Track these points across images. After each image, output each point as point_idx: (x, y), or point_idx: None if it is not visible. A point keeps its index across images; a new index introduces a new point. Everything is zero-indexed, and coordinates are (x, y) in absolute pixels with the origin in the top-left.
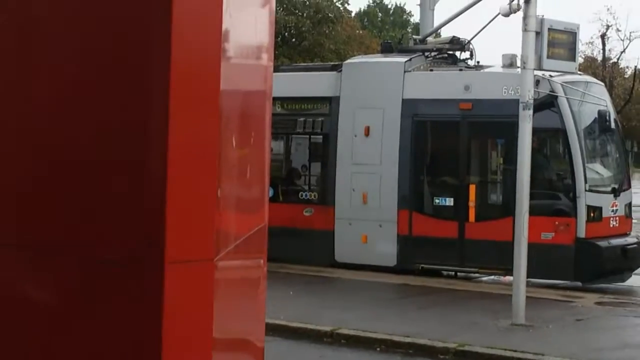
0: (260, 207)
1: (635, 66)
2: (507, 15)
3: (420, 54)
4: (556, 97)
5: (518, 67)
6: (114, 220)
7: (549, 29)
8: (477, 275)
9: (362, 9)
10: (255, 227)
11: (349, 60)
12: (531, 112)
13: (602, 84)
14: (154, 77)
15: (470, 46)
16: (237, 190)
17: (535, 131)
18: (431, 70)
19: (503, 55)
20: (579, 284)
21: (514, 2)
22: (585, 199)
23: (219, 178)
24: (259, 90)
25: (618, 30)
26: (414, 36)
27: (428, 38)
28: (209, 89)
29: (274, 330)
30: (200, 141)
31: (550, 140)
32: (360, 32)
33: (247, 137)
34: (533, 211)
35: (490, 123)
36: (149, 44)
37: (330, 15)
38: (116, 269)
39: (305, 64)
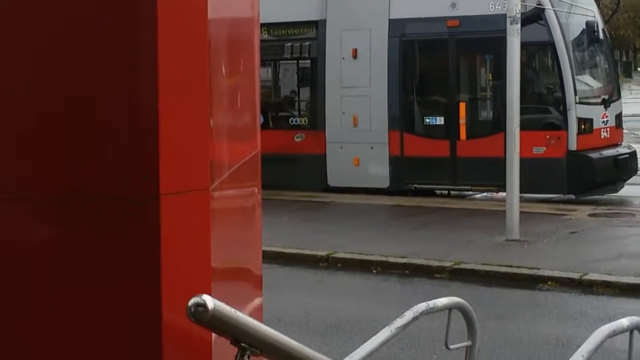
0: (252, 134)
1: None
2: None
3: None
4: (543, 9)
5: None
6: (107, 155)
7: None
8: (470, 192)
9: None
10: (249, 155)
11: None
12: (519, 26)
13: None
14: (141, 7)
15: None
16: (228, 119)
17: (524, 45)
18: None
19: None
20: (572, 196)
21: None
22: (576, 111)
23: (210, 107)
24: (247, 17)
25: None
26: None
27: None
28: (197, 17)
29: (270, 257)
30: (190, 71)
31: (539, 53)
32: None
33: (236, 64)
34: (524, 126)
35: (479, 39)
36: None
37: None
38: (112, 202)
39: None
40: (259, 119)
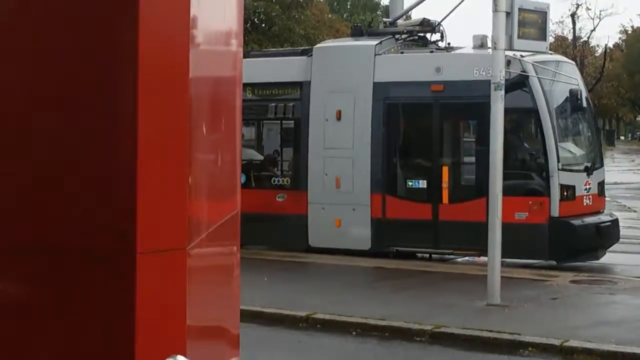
0: (232, 194)
1: (606, 44)
2: None
3: (391, 36)
4: (527, 77)
5: (489, 48)
6: (84, 213)
7: (519, 9)
8: (451, 256)
9: None
10: (228, 214)
11: (319, 45)
12: (503, 92)
13: (573, 62)
14: (122, 65)
15: (441, 28)
16: (208, 178)
17: (508, 111)
18: (402, 52)
19: (474, 36)
20: (554, 262)
21: None
22: (559, 178)
23: (190, 166)
24: (229, 77)
25: (588, 9)
26: (384, 19)
27: (398, 21)
28: (178, 76)
29: (249, 316)
30: (170, 129)
31: (523, 120)
32: (330, 16)
33: (217, 123)
34: (506, 191)
35: (462, 104)
36: (116, 32)
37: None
38: (87, 261)
39: (275, 49)
40: (240, 179)
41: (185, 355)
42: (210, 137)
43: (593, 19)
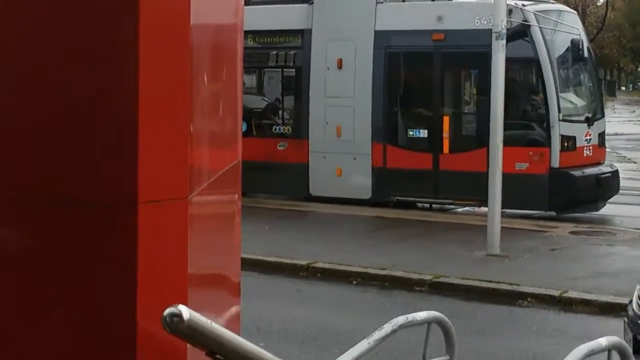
0: (233, 142)
1: None
2: None
3: None
4: (529, 26)
5: None
6: (86, 162)
7: None
8: (451, 206)
9: None
10: (230, 163)
11: None
12: (504, 42)
13: (575, 12)
14: (123, 12)
15: None
16: (209, 127)
17: (509, 61)
18: (403, 1)
19: None
20: (553, 213)
21: None
22: (559, 129)
23: (191, 115)
24: (230, 24)
25: None
26: None
27: None
28: (179, 23)
29: (250, 265)
30: (171, 77)
31: (524, 70)
32: None
33: (219, 72)
34: (507, 141)
35: (463, 54)
36: None
37: None
38: (89, 210)
39: None
40: (241, 128)
41: (186, 304)
42: (212, 85)
43: None
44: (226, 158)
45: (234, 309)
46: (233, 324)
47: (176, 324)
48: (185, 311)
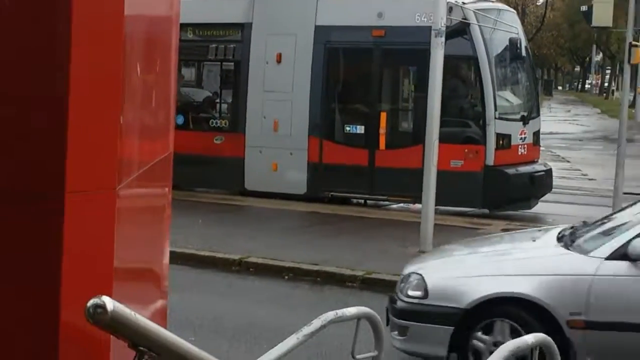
0: (165, 135)
1: None
2: None
3: None
4: (468, 24)
5: None
6: (13, 150)
7: None
8: (386, 203)
9: None
10: (161, 156)
11: None
12: (443, 39)
13: (514, 11)
14: (56, 4)
15: None
16: (141, 119)
17: (447, 58)
18: None
19: None
20: (487, 211)
21: None
22: (495, 127)
23: (122, 106)
24: (165, 16)
25: None
26: None
27: None
28: (113, 15)
29: (182, 258)
30: (103, 67)
31: (462, 67)
32: None
33: (152, 64)
34: (443, 139)
35: (403, 50)
36: None
37: None
38: (16, 199)
39: None
40: (174, 120)
41: (111, 296)
42: (144, 77)
43: None
44: (157, 150)
45: (160, 302)
46: (159, 317)
47: (99, 315)
48: (109, 302)
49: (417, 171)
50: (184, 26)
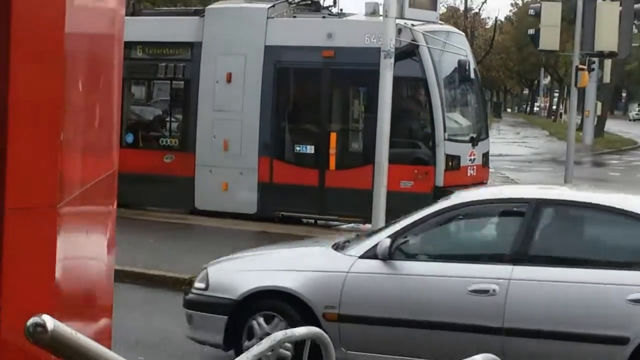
0: (108, 152)
1: (496, 17)
2: None
3: (284, 0)
4: (417, 46)
5: (380, 16)
6: None
7: None
8: (336, 223)
9: None
10: (104, 173)
11: (211, 6)
12: (392, 60)
13: (463, 34)
14: None
15: None
16: (83, 136)
17: (397, 80)
18: (294, 17)
19: (366, 3)
20: None
21: None
22: (444, 148)
23: (63, 123)
24: (107, 34)
25: None
26: None
27: None
28: (53, 31)
29: (131, 277)
30: (43, 84)
31: (411, 89)
32: None
33: (94, 81)
34: (393, 159)
35: (352, 71)
36: None
37: None
38: None
39: (168, 8)
40: (118, 138)
41: (52, 315)
42: (86, 94)
43: None
44: (100, 168)
45: (104, 321)
46: (103, 337)
47: (39, 334)
48: (50, 321)
49: (367, 191)
50: (134, 44)
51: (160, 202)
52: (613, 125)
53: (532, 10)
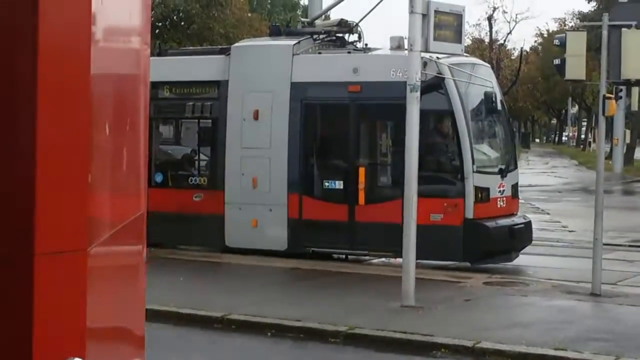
0: (137, 194)
1: (522, 47)
2: None
3: (309, 36)
4: (443, 79)
5: (406, 50)
6: None
7: (435, 11)
8: (367, 257)
9: None
10: (132, 216)
11: (237, 44)
12: (418, 94)
13: (489, 65)
14: (21, 63)
15: (359, 29)
16: (110, 179)
17: (423, 113)
18: (319, 53)
19: (391, 37)
20: (468, 264)
21: None
22: (473, 180)
23: (90, 166)
24: (133, 75)
25: (504, 12)
26: (303, 19)
27: (316, 21)
28: (79, 73)
29: (164, 317)
30: (70, 127)
31: (438, 122)
32: (250, 15)
33: (121, 122)
34: (422, 193)
35: (379, 105)
36: (14, 28)
37: None
38: None
39: (194, 47)
40: (145, 179)
41: (84, 357)
42: (113, 136)
43: (509, 22)
44: (129, 209)
45: None
46: None
47: None
48: None
49: (397, 226)
50: (161, 84)
51: (191, 240)
52: None
53: (557, 41)
